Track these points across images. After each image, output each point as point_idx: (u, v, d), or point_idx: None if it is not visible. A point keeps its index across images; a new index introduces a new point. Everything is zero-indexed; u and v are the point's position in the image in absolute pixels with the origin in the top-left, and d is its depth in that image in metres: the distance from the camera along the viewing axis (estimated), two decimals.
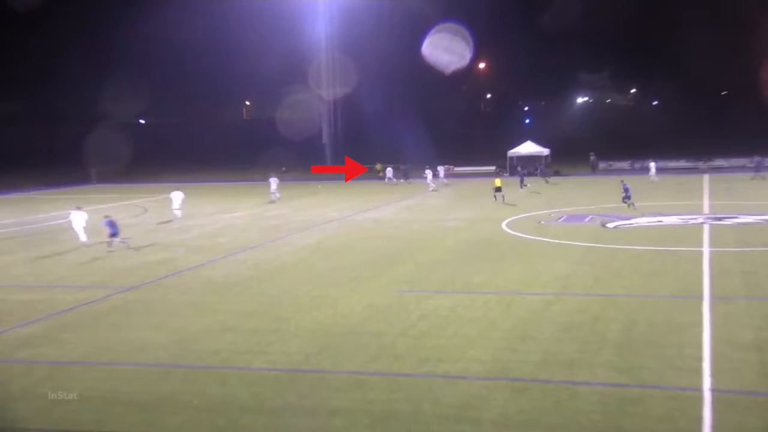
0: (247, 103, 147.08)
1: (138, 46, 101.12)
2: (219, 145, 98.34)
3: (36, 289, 20.70)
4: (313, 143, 79.89)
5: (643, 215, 30.77)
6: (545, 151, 60.15)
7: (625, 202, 33.06)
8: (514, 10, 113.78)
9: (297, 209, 39.13)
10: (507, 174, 55.97)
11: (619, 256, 21.96)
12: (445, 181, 53.10)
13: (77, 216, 27.61)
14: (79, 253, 26.19)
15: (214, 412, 11.07)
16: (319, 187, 54.40)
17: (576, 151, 65.45)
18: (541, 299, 16.98)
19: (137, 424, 10.87)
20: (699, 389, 11.15)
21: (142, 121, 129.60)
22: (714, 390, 11.06)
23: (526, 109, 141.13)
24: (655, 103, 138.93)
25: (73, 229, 27.75)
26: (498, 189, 38.72)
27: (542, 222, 30.46)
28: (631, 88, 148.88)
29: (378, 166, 61.84)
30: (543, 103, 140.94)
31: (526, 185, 44.87)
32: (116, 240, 26.01)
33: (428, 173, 49.57)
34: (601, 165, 61.00)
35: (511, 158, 60.37)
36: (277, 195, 43.77)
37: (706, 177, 50.27)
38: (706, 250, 22.21)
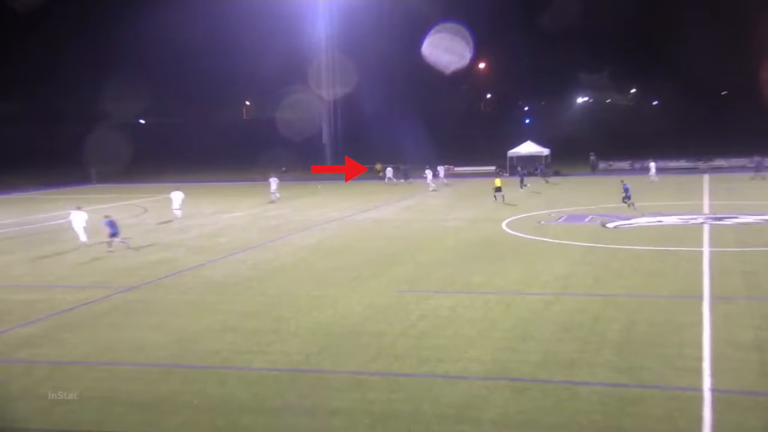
0: (247, 103, 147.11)
1: (138, 46, 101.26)
2: (219, 145, 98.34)
3: (36, 289, 20.70)
4: (313, 143, 79.90)
5: (643, 215, 30.77)
6: (545, 151, 60.16)
7: (625, 202, 33.06)
8: (514, 10, 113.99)
9: (297, 209, 39.13)
10: (507, 174, 55.98)
11: (619, 256, 21.96)
12: (445, 181, 53.11)
13: (77, 216, 27.61)
14: (79, 253, 26.19)
15: (214, 412, 11.07)
16: (319, 187, 54.41)
17: (576, 151, 65.46)
18: (541, 299, 16.98)
19: (137, 424, 10.87)
20: (699, 389, 11.15)
21: (142, 121, 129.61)
22: (714, 390, 11.06)
23: (526, 109, 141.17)
24: (655, 103, 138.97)
25: (73, 229, 27.75)
26: (498, 189, 38.73)
27: (542, 222, 30.46)
28: (631, 88, 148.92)
29: (378, 166, 61.84)
30: (543, 103, 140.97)
31: (526, 185, 44.88)
32: (116, 240, 26.01)
33: (428, 173, 49.58)
34: (601, 165, 61.01)
35: (511, 158, 60.38)
36: (277, 195, 43.78)
37: (706, 177, 50.28)
38: (706, 250, 22.21)
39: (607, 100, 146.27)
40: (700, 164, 57.71)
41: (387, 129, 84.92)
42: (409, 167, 57.61)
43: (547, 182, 51.03)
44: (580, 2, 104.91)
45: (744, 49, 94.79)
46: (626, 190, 33.24)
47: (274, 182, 44.25)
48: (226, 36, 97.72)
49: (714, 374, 11.66)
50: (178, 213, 35.40)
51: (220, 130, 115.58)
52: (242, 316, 16.46)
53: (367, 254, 23.94)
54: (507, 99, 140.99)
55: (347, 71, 80.00)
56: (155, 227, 33.43)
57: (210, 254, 25.07)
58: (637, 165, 58.01)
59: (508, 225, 29.74)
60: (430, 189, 47.94)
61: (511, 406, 10.81)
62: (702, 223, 28.22)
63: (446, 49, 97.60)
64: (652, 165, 50.15)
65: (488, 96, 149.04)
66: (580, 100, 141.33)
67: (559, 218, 31.55)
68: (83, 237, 27.30)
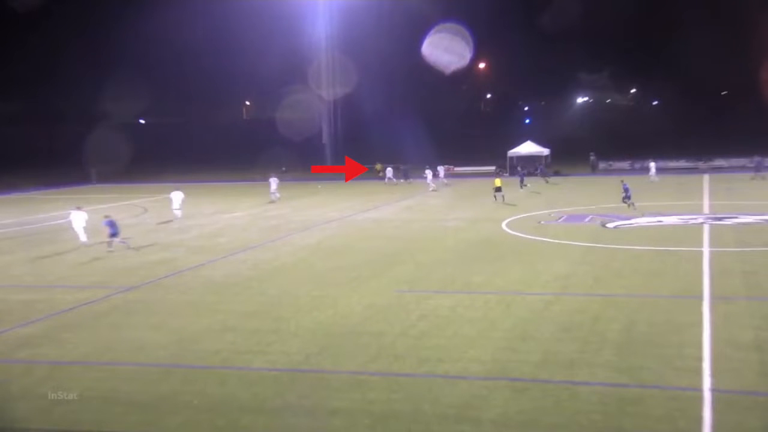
0: (247, 103, 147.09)
1: (138, 46, 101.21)
2: (219, 145, 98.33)
3: (36, 289, 20.70)
4: (313, 143, 79.90)
5: (643, 215, 30.77)
6: (545, 151, 60.16)
7: (625, 202, 33.06)
8: (514, 10, 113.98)
9: (297, 209, 39.13)
10: (507, 174, 55.98)
11: (619, 256, 21.96)
12: (445, 181, 53.11)
13: (77, 216, 27.61)
14: (79, 253, 26.19)
15: (214, 412, 11.07)
16: (319, 187, 54.41)
17: (576, 151, 65.46)
18: (541, 299, 16.98)
19: (137, 424, 10.87)
20: (699, 389, 11.15)
21: (142, 121, 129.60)
22: (714, 390, 11.06)
23: (526, 109, 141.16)
24: (655, 103, 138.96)
25: (73, 229, 27.75)
26: (498, 189, 38.73)
27: (542, 222, 30.46)
28: (631, 88, 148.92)
29: (378, 166, 61.84)
30: (543, 103, 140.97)
31: (526, 185, 44.88)
32: (116, 240, 26.01)
33: (428, 173, 49.58)
34: (601, 165, 61.01)
35: (511, 158, 60.37)
36: (277, 195, 43.78)
37: (706, 177, 50.28)
38: (706, 250, 22.21)
39: (607, 100, 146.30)
40: (700, 164, 57.71)
41: (387, 129, 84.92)
42: (409, 167, 57.61)
43: (547, 182, 51.03)
44: (580, 2, 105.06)
45: (744, 49, 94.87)
46: (626, 190, 33.25)
47: (274, 182, 44.26)
48: (226, 36, 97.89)
49: (714, 374, 11.66)
50: (178, 213, 35.40)
51: (220, 130, 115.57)
52: (242, 316, 16.46)
53: (367, 254, 23.94)
54: (507, 99, 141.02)
55: (347, 71, 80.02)
56: (155, 227, 33.42)
57: (210, 254, 25.07)
58: (637, 165, 58.01)
59: (508, 225, 29.74)
60: (430, 189, 47.94)
61: (511, 406, 10.81)
62: (702, 223, 28.22)
63: (446, 49, 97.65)
64: (652, 165, 50.15)
65: (488, 96, 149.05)
66: (580, 100, 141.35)
67: (559, 218, 31.55)
68: (83, 237, 27.30)
